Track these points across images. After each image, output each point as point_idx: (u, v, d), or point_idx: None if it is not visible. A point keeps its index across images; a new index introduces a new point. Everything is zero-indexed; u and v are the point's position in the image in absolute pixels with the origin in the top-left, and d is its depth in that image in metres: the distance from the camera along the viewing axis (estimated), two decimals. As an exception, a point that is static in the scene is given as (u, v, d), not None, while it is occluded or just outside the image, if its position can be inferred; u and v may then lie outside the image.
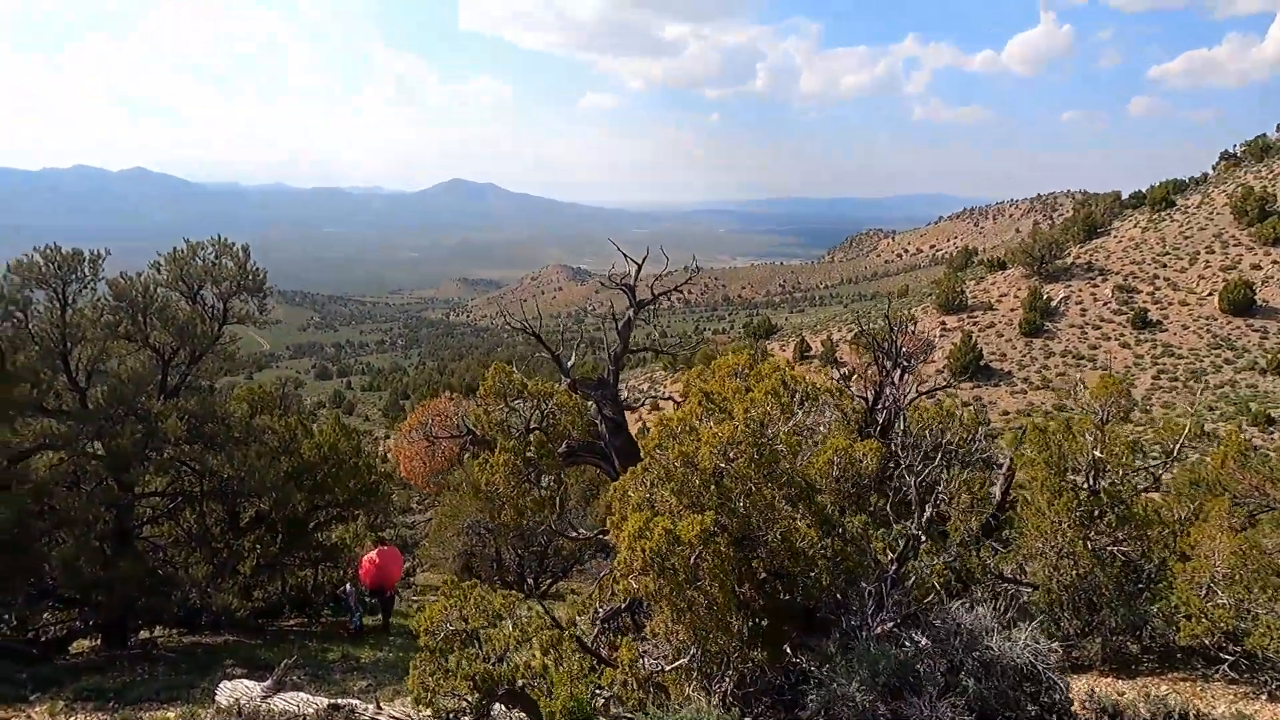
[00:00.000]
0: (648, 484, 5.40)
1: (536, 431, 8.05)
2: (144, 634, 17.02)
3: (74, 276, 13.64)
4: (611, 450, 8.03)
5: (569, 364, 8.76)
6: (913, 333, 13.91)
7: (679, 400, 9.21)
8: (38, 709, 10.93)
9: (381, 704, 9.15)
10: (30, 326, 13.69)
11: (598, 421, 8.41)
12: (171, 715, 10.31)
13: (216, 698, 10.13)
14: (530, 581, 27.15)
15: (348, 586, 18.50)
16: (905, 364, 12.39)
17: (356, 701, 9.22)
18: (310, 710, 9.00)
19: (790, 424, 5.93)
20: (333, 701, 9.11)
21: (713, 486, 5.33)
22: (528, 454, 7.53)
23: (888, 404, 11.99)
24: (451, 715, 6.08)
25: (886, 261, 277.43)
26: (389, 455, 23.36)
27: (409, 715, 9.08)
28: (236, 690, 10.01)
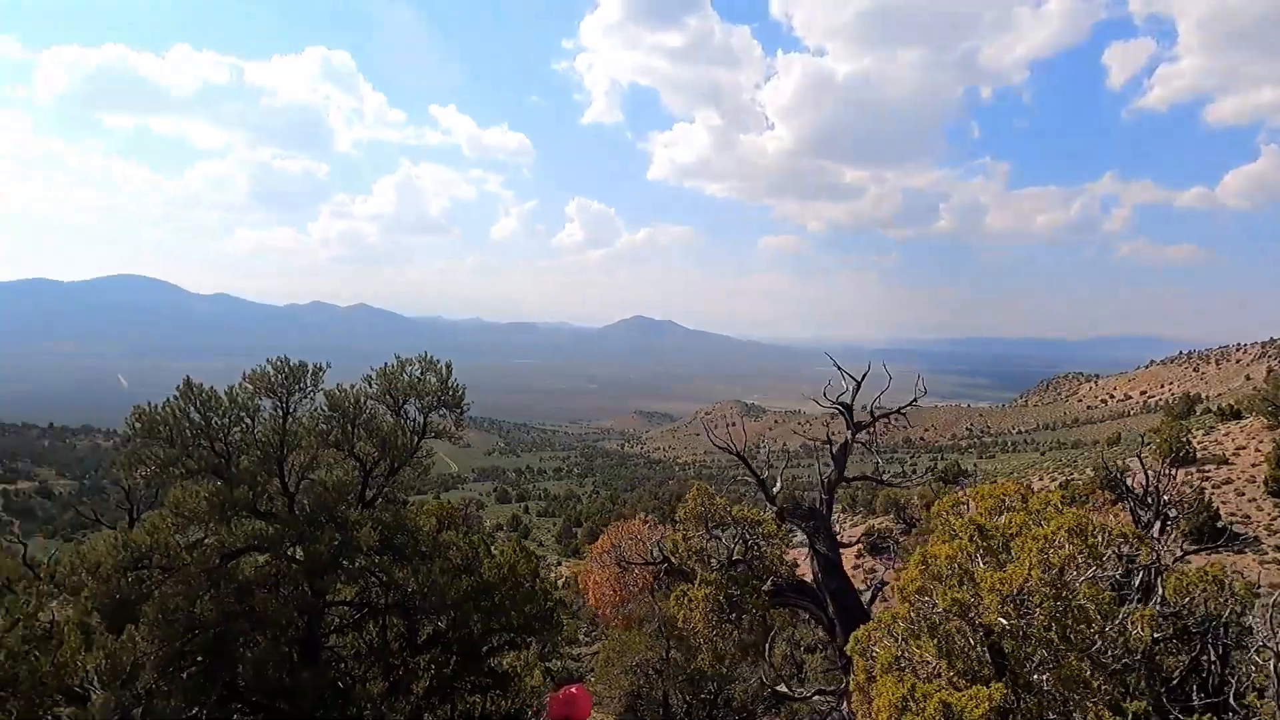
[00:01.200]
0: (899, 638, 4.31)
1: (741, 566, 7.15)
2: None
3: (297, 387, 14.56)
4: (825, 594, 6.93)
5: (775, 490, 7.87)
6: (1173, 480, 11.84)
7: (881, 544, 7.95)
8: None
9: None
10: (255, 433, 14.66)
11: (810, 559, 7.37)
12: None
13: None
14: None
15: None
16: (1167, 516, 10.39)
17: None
18: None
19: (1090, 572, 4.64)
20: None
21: (996, 650, 4.15)
22: (730, 590, 6.64)
23: (1148, 563, 10.01)
24: None
25: (1089, 407, 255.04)
26: (559, 583, 22.89)
27: None
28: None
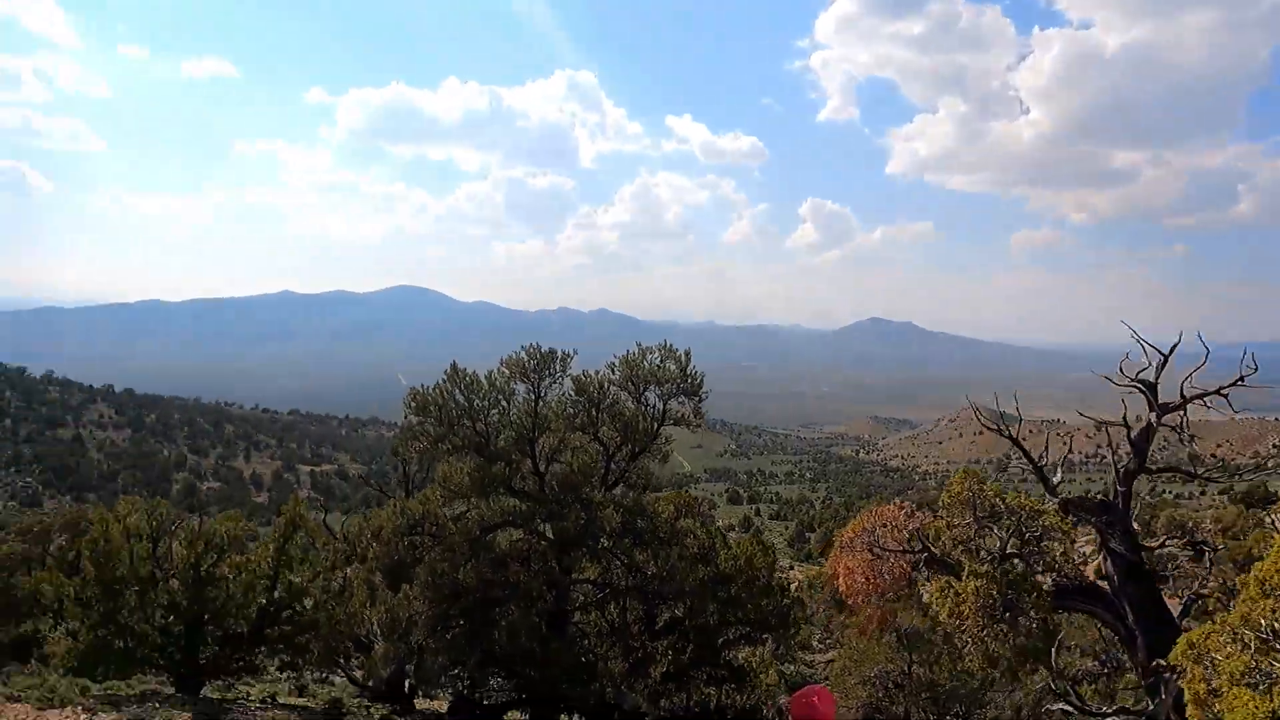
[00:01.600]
0: (1250, 645, 3.45)
1: (1016, 560, 6.30)
2: (564, 718, 17.78)
3: (548, 372, 15.36)
4: (1122, 598, 5.90)
5: (1055, 481, 6.88)
6: None
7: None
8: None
9: None
10: (510, 415, 15.66)
11: (1103, 559, 6.34)
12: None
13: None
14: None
15: None
16: None
17: None
18: None
19: None
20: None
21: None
22: (1005, 586, 5.85)
23: None
24: None
25: None
26: (792, 587, 22.28)
27: None
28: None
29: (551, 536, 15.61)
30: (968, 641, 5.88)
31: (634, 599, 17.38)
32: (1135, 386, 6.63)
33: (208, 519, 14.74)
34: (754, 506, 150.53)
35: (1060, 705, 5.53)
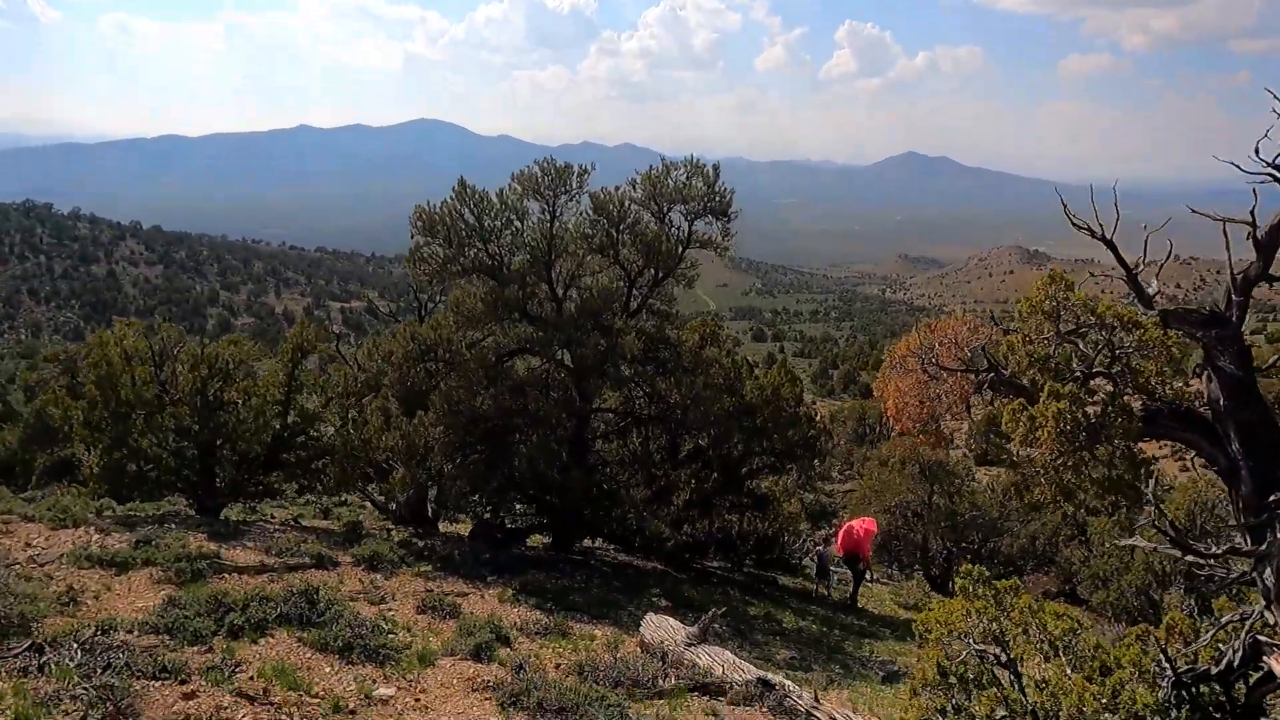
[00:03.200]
0: None
1: (1102, 379, 5.39)
2: (586, 543, 17.93)
3: (563, 189, 14.11)
4: (1228, 422, 5.03)
5: (1151, 291, 5.80)
6: None
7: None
8: (491, 591, 11.47)
9: (819, 697, 7.38)
10: (524, 236, 14.59)
11: (1206, 380, 5.40)
12: (598, 634, 9.87)
13: (641, 630, 9.37)
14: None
15: (820, 548, 17.91)
16: None
17: (787, 682, 7.60)
18: (737, 677, 7.60)
19: None
20: (762, 675, 7.59)
21: None
22: (1088, 410, 4.98)
23: None
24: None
25: None
26: (816, 417, 21.87)
27: (849, 717, 7.15)
28: (662, 628, 9.11)
29: (570, 364, 14.96)
30: (1040, 472, 5.13)
31: (656, 428, 16.99)
32: (1268, 173, 5.37)
33: (210, 343, 14.20)
34: (778, 344, 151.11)
35: (1156, 542, 4.71)
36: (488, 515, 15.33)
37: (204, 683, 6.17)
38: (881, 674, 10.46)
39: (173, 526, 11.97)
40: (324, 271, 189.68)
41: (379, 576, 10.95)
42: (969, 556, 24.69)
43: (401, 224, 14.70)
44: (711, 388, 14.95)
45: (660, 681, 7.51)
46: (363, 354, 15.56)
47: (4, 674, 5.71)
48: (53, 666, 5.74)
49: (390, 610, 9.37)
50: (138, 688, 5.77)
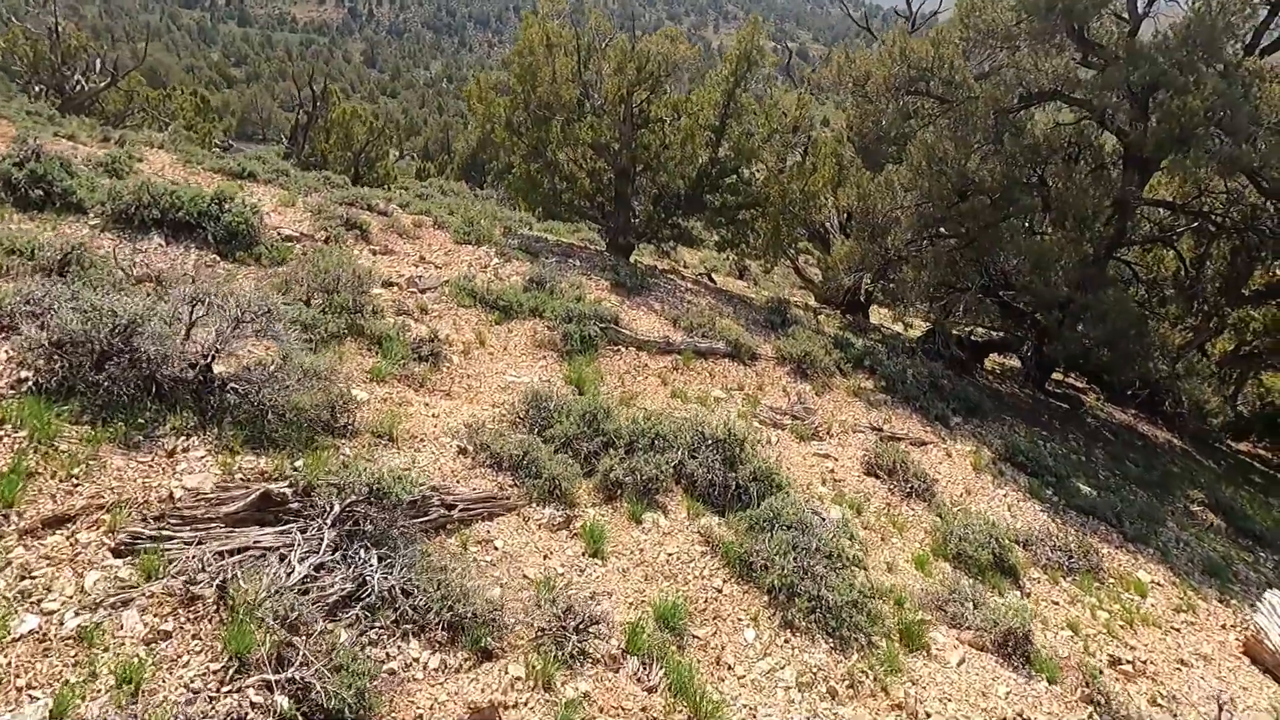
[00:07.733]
0: None
1: None
2: (1058, 376, 13.36)
3: None
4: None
5: None
6: None
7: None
8: (959, 447, 7.98)
9: None
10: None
11: None
12: (1145, 579, 5.95)
13: (1259, 619, 5.22)
14: None
15: None
16: None
17: None
18: None
19: None
20: None
21: None
22: None
23: None
24: None
25: None
26: None
27: None
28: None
29: (1128, 124, 9.64)
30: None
31: (1227, 242, 11.20)
32: None
33: (643, 37, 11.39)
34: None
35: None
36: (959, 320, 11.44)
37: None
38: None
39: (576, 264, 10.13)
40: (762, 7, 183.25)
41: (807, 387, 7.97)
42: None
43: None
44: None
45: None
46: (821, 71, 11.69)
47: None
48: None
49: (828, 463, 6.37)
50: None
